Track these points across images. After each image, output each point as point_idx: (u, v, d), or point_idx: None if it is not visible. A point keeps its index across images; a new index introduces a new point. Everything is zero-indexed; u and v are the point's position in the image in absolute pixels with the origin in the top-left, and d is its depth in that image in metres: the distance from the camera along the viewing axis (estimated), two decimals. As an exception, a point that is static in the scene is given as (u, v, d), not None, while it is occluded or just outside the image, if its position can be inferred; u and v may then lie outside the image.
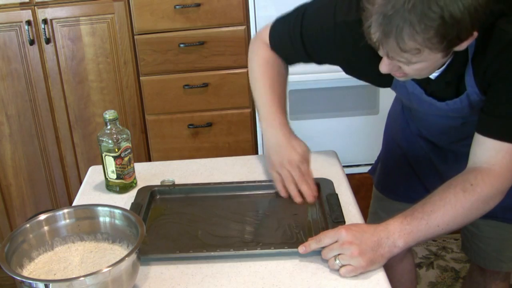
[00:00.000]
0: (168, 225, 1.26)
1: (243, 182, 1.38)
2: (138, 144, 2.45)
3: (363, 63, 1.22)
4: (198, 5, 2.23)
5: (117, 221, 1.12)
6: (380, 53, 1.07)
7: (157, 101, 2.37)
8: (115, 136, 1.36)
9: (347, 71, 1.33)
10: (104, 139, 1.37)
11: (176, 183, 1.42)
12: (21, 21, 2.25)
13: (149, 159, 2.48)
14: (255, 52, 1.40)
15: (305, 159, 1.31)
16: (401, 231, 1.09)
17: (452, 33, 0.97)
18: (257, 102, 1.38)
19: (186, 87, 2.34)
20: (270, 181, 1.37)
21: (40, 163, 2.48)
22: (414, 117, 1.46)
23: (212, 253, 1.13)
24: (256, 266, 1.11)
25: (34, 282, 0.96)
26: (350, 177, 1.47)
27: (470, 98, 1.17)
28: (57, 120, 2.42)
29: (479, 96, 1.15)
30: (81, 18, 2.26)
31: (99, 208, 1.15)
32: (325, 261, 1.10)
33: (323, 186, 1.34)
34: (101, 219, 1.14)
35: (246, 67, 2.32)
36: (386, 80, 1.25)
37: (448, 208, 1.10)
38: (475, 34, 1.02)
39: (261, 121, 1.37)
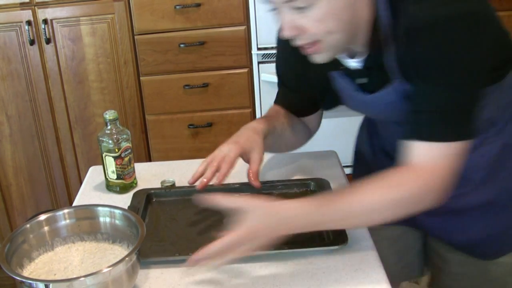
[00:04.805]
0: (166, 228, 1.26)
1: (239, 184, 1.38)
2: (138, 144, 2.46)
3: (311, 76, 1.24)
4: (198, 5, 2.23)
5: (117, 221, 1.12)
6: (275, 12, 1.04)
7: (157, 101, 2.37)
8: (115, 136, 1.36)
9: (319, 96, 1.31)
10: (104, 139, 1.37)
11: (176, 183, 1.41)
12: (21, 21, 2.26)
13: (149, 159, 2.48)
14: None
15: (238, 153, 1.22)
16: (304, 218, 1.00)
17: None
18: None
19: (186, 87, 2.34)
20: (269, 181, 1.37)
21: (40, 163, 2.49)
22: (377, 129, 1.35)
23: (212, 255, 1.12)
24: (257, 266, 1.11)
25: (34, 282, 0.96)
26: (350, 177, 1.47)
27: (398, 89, 1.07)
28: (57, 120, 2.42)
29: (406, 86, 1.05)
30: (81, 18, 2.26)
31: (99, 208, 1.15)
32: (325, 262, 1.10)
33: (319, 187, 1.33)
34: (101, 219, 1.14)
35: (246, 67, 2.33)
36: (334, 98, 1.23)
37: (368, 201, 1.01)
38: None
39: None
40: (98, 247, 1.12)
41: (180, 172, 1.50)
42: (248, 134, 1.23)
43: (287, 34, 1.02)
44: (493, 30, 1.02)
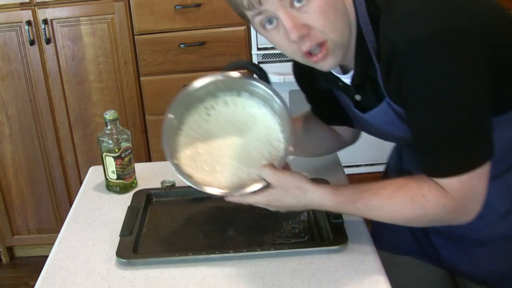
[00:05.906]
0: (167, 228, 1.26)
1: None
2: (139, 145, 2.46)
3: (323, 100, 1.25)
4: (198, 5, 2.23)
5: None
6: (271, 28, 1.00)
7: (158, 101, 2.37)
8: (115, 136, 1.36)
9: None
10: (105, 140, 1.37)
11: (176, 183, 1.41)
12: (21, 21, 2.26)
13: (149, 159, 2.48)
14: None
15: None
16: (331, 208, 1.07)
17: None
18: None
19: (186, 87, 2.34)
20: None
21: (40, 163, 2.49)
22: (404, 153, 1.32)
23: (212, 255, 1.12)
24: (256, 267, 1.11)
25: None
26: (350, 177, 1.47)
27: (388, 109, 1.05)
28: (57, 120, 2.42)
29: (395, 107, 1.03)
30: (81, 18, 2.26)
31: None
32: (326, 262, 1.10)
33: None
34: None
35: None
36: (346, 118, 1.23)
37: (389, 210, 1.03)
38: None
39: None
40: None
41: (180, 172, 1.49)
42: None
43: (295, 35, 0.96)
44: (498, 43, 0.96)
